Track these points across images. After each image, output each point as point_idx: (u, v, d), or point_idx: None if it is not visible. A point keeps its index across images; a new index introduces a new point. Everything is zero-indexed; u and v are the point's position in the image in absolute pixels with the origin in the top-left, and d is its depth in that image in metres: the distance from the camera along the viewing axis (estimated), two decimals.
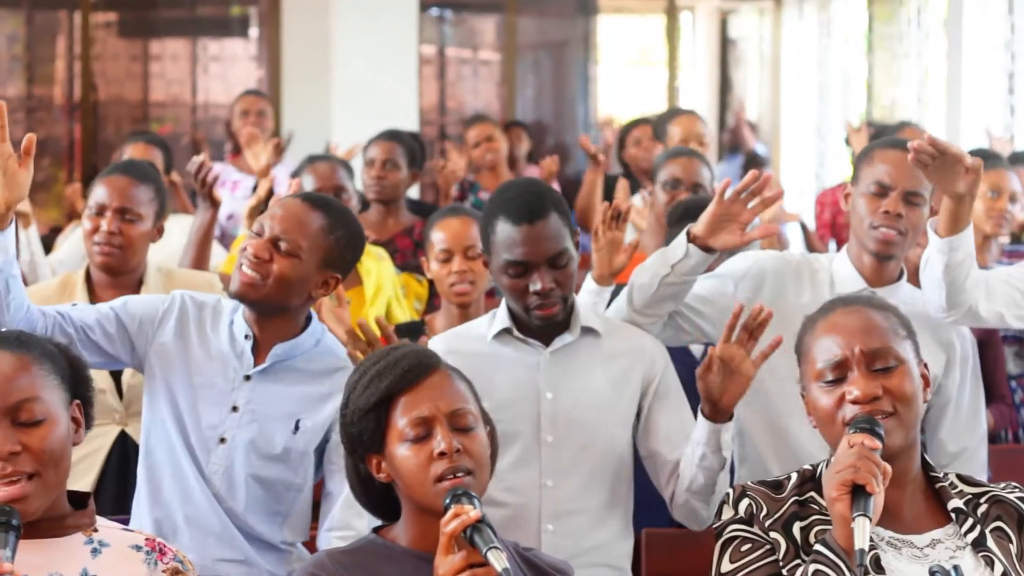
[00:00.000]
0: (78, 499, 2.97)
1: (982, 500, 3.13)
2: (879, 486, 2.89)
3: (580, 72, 14.03)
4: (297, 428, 3.87)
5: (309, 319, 3.94)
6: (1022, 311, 4.14)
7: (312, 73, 11.16)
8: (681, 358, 4.68)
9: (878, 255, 4.16)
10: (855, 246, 4.21)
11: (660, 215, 5.69)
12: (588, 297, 4.51)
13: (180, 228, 5.87)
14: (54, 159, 12.05)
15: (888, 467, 2.93)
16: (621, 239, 4.51)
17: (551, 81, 14.12)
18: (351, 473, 3.12)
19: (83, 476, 4.55)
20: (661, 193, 5.76)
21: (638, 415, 4.00)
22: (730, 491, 3.12)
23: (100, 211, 4.71)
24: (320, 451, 3.92)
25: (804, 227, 8.29)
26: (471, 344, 3.95)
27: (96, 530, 2.94)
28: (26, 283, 5.84)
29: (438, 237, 4.92)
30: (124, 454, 4.57)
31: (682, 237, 4.04)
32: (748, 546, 3.06)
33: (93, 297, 4.65)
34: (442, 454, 2.94)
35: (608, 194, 7.69)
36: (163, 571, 2.91)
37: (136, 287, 4.69)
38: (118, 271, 4.72)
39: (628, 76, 14.25)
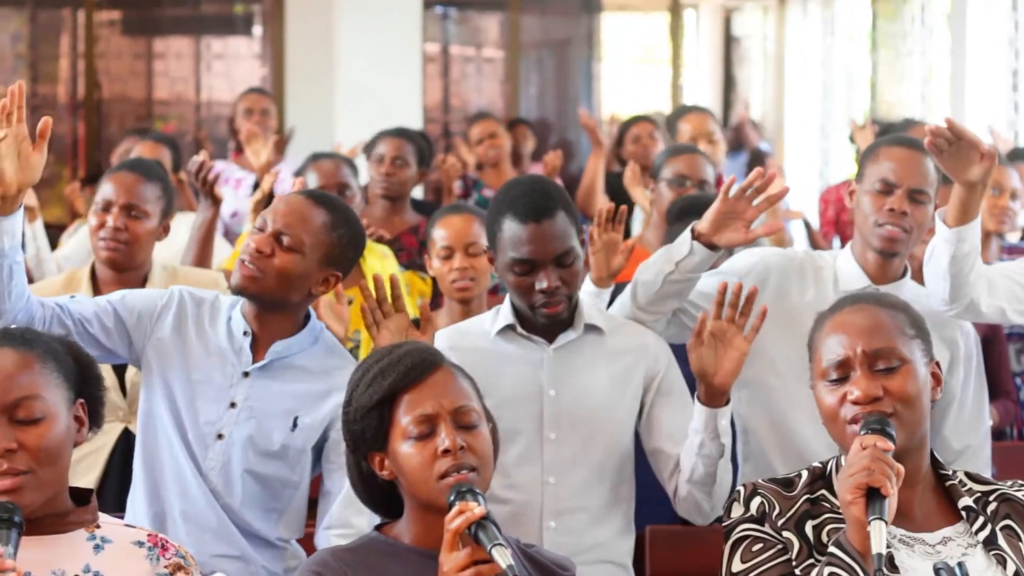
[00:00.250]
0: (81, 496, 2.97)
1: (991, 498, 3.11)
2: (893, 488, 2.87)
3: (584, 70, 14.03)
4: (295, 425, 3.87)
5: (308, 317, 3.94)
6: (1023, 306, 4.14)
7: (316, 71, 11.17)
8: (684, 355, 4.67)
9: (883, 252, 4.15)
10: (859, 243, 4.21)
11: (664, 212, 5.69)
12: (587, 299, 4.50)
13: (187, 226, 5.88)
14: (58, 157, 12.05)
15: (901, 468, 2.92)
16: (618, 240, 4.50)
17: (555, 79, 14.12)
18: (353, 471, 3.12)
19: (87, 473, 4.56)
20: (666, 190, 5.76)
21: (640, 412, 4.00)
22: (740, 489, 3.10)
23: (106, 207, 4.73)
24: (318, 449, 3.92)
25: (808, 225, 8.29)
26: (474, 340, 3.95)
27: (99, 526, 2.93)
28: (32, 278, 5.88)
29: (440, 234, 4.92)
30: (127, 451, 4.56)
31: (686, 234, 4.04)
32: (760, 546, 3.04)
33: (97, 293, 4.65)
34: (446, 451, 2.94)
35: (610, 190, 7.71)
36: (165, 567, 2.91)
37: (141, 284, 4.69)
38: (123, 268, 4.73)
39: (632, 74, 14.25)
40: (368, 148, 7.57)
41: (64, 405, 2.91)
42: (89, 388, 2.99)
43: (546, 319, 3.90)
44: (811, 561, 2.99)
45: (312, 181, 5.64)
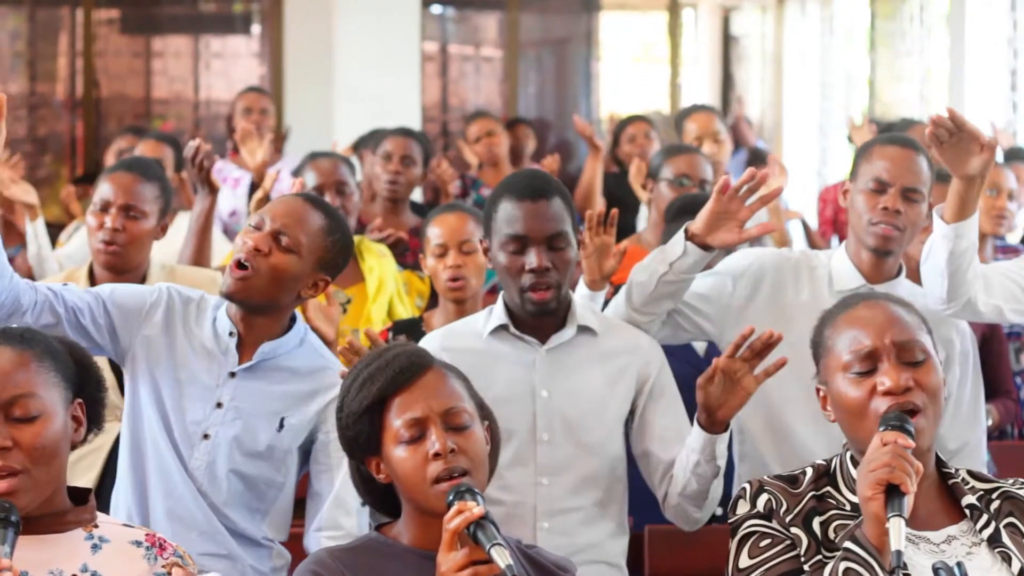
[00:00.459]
0: (79, 495, 2.97)
1: (994, 496, 3.11)
2: (913, 486, 2.87)
3: (582, 69, 14.03)
4: (282, 426, 3.86)
5: (293, 319, 3.94)
6: (1021, 305, 4.14)
7: (314, 70, 11.17)
8: (685, 356, 4.68)
9: (877, 251, 4.15)
10: (854, 243, 4.21)
11: (663, 211, 5.69)
12: (581, 302, 4.50)
13: (188, 226, 5.87)
14: (56, 156, 12.06)
15: (920, 466, 2.92)
16: (610, 243, 4.50)
17: (553, 78, 14.12)
18: (354, 474, 3.13)
19: (85, 473, 4.55)
20: (666, 190, 5.76)
21: (632, 414, 3.99)
22: (746, 486, 3.09)
23: (104, 207, 4.72)
24: (303, 450, 3.92)
25: (805, 225, 8.29)
26: (466, 341, 3.95)
27: (96, 526, 2.93)
28: (33, 276, 5.88)
29: (434, 232, 4.95)
30: None
31: (680, 235, 4.04)
32: (767, 541, 3.03)
33: None
34: (437, 455, 2.94)
35: (606, 192, 7.70)
36: (163, 567, 2.91)
37: (140, 284, 4.68)
38: (121, 269, 4.72)
39: (630, 73, 14.24)
40: (358, 146, 7.56)
41: (61, 404, 2.91)
42: (89, 389, 2.99)
43: (534, 307, 3.89)
44: (819, 557, 2.99)
45: (310, 180, 5.63)
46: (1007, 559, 3.02)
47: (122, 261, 4.71)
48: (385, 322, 5.35)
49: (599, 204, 7.72)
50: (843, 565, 2.89)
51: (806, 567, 2.99)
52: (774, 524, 3.04)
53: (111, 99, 12.22)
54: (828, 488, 3.09)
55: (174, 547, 2.95)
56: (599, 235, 4.49)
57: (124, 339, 3.88)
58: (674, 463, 3.91)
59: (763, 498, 3.07)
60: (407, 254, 6.20)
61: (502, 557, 2.76)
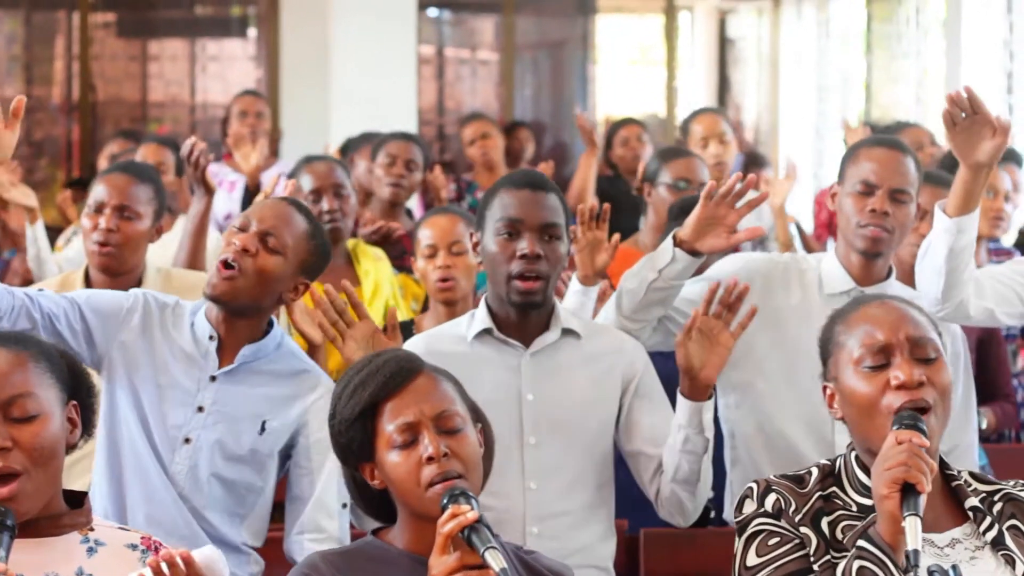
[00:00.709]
0: (75, 498, 2.97)
1: (996, 498, 3.11)
2: (928, 485, 2.87)
3: (578, 72, 14.03)
4: (263, 429, 3.86)
5: (271, 324, 3.95)
6: (1012, 308, 4.14)
7: (310, 73, 11.17)
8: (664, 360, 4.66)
9: (866, 254, 4.16)
10: (843, 245, 4.21)
11: (662, 215, 5.69)
12: (575, 298, 4.50)
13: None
14: (52, 159, 12.06)
15: (935, 465, 2.92)
16: (603, 238, 4.51)
17: (549, 81, 14.12)
18: (348, 481, 3.13)
19: (81, 476, 4.54)
20: (666, 194, 5.75)
21: (619, 415, 3.99)
22: (753, 485, 3.09)
23: (99, 209, 4.72)
24: (283, 454, 3.92)
25: (800, 228, 8.29)
26: (450, 345, 3.94)
27: (92, 529, 2.93)
28: (33, 279, 5.87)
29: (424, 234, 4.98)
30: None
31: (669, 241, 4.04)
32: (776, 540, 3.03)
33: None
34: (430, 459, 2.94)
35: (599, 194, 7.70)
36: (155, 551, 2.90)
37: (134, 287, 4.67)
38: (116, 271, 4.72)
39: (627, 76, 14.25)
40: (346, 149, 7.54)
41: (58, 405, 2.91)
42: (81, 394, 2.99)
43: (519, 297, 3.88)
44: (828, 557, 2.99)
45: (306, 183, 5.63)
46: (1011, 562, 3.01)
47: (117, 263, 4.70)
48: (381, 325, 5.34)
49: (592, 200, 7.74)
50: (857, 563, 2.88)
51: (815, 567, 2.99)
52: (783, 523, 3.04)
53: (107, 102, 12.22)
54: (834, 489, 3.08)
55: (169, 550, 2.95)
56: (591, 230, 4.50)
57: (101, 344, 3.87)
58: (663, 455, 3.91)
59: (771, 497, 3.06)
60: (406, 256, 6.19)
61: (496, 561, 2.76)
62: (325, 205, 5.56)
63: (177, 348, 3.88)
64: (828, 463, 3.13)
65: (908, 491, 2.86)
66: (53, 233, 7.52)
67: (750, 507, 3.08)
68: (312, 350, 4.53)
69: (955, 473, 3.13)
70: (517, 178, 3.98)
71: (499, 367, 3.92)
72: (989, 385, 5.45)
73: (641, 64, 14.35)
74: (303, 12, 11.38)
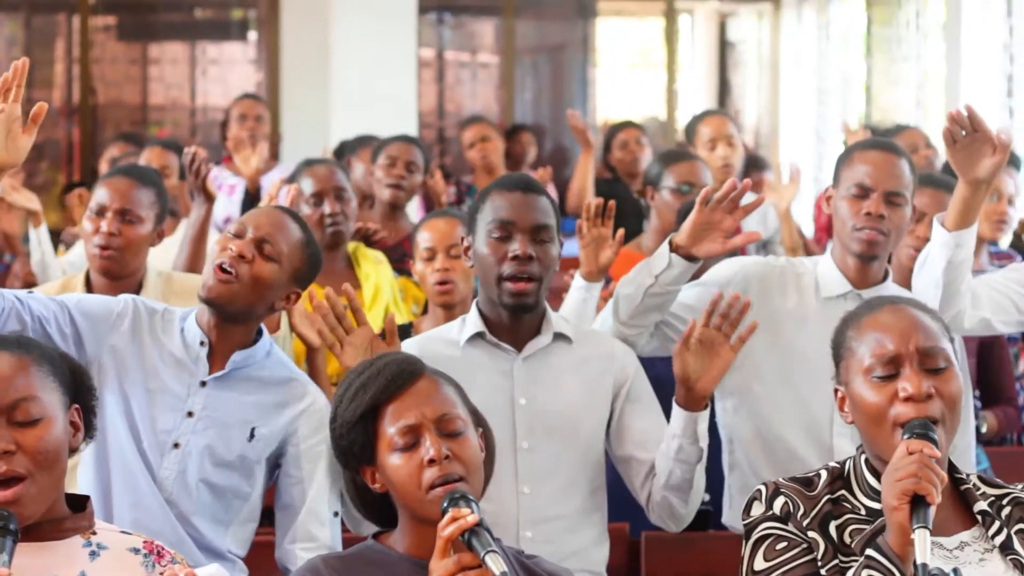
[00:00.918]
0: (77, 502, 2.97)
1: (1004, 502, 3.10)
2: (938, 496, 2.86)
3: (579, 75, 14.04)
4: (253, 436, 3.85)
5: (260, 332, 3.94)
6: (1009, 316, 4.14)
7: (311, 76, 11.17)
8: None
9: (861, 257, 4.15)
10: (839, 249, 4.21)
11: (665, 219, 5.69)
12: (578, 293, 4.51)
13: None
14: (52, 162, 12.07)
15: (945, 476, 2.91)
16: (607, 235, 4.52)
17: (550, 84, 14.13)
18: (348, 484, 3.13)
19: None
20: (669, 197, 5.75)
21: (610, 420, 3.99)
22: (762, 487, 3.08)
23: (100, 212, 4.72)
24: (271, 463, 3.91)
25: (800, 233, 8.28)
26: (443, 349, 3.93)
27: (95, 533, 2.93)
28: (37, 283, 5.87)
29: (423, 237, 4.98)
30: None
31: (665, 247, 4.04)
32: (783, 544, 3.02)
33: None
34: (431, 461, 2.94)
35: (599, 197, 7.71)
36: (161, 573, 2.91)
37: (135, 291, 4.67)
38: (117, 275, 4.71)
39: (627, 79, 14.25)
40: (341, 152, 7.53)
41: (61, 409, 2.91)
42: (83, 397, 2.99)
43: (511, 298, 3.88)
44: (836, 561, 2.99)
45: (307, 187, 5.62)
46: (1019, 566, 3.01)
47: (118, 266, 4.70)
48: (380, 329, 5.34)
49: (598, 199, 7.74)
50: (865, 572, 2.88)
51: (823, 571, 2.99)
52: (791, 527, 3.03)
53: (108, 106, 12.23)
54: (843, 491, 3.08)
55: (172, 554, 2.95)
56: (596, 226, 4.50)
57: (90, 349, 3.85)
58: (656, 460, 3.91)
59: (779, 501, 3.05)
60: (405, 259, 6.19)
61: (497, 564, 2.76)
62: (327, 208, 5.55)
63: (167, 353, 3.87)
64: (837, 465, 3.13)
65: (918, 502, 2.85)
66: (52, 235, 7.52)
67: (758, 510, 3.07)
68: (311, 353, 4.53)
69: (964, 476, 3.13)
70: (508, 181, 3.98)
71: (491, 371, 3.92)
72: (992, 388, 5.45)
73: (641, 67, 14.36)
74: (303, 15, 11.38)
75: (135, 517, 3.80)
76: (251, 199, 7.03)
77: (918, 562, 2.79)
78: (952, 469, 3.12)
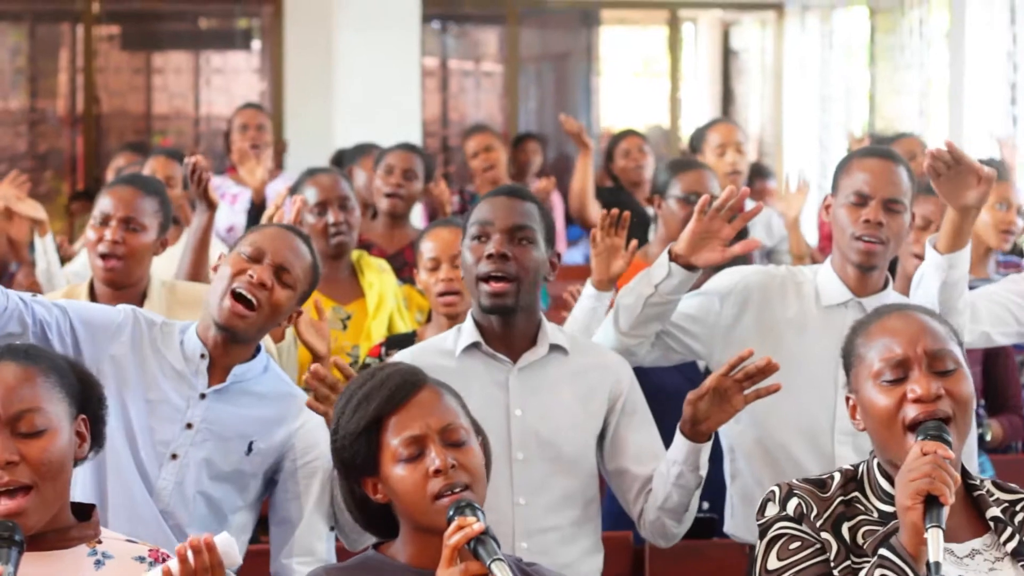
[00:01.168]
0: (82, 511, 2.97)
1: (1018, 508, 3.10)
2: (951, 497, 2.88)
3: (582, 83, 14.04)
4: (250, 450, 3.85)
5: (258, 347, 3.94)
6: (1008, 327, 4.15)
7: (315, 85, 11.18)
8: (685, 371, 4.66)
9: (861, 266, 4.15)
10: (838, 257, 4.21)
11: (672, 227, 5.68)
12: (588, 302, 4.50)
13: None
14: (56, 172, 12.08)
15: (959, 477, 2.93)
16: (620, 245, 4.51)
17: (553, 92, 14.13)
18: (347, 496, 3.12)
19: None
20: (676, 206, 5.74)
21: (603, 432, 3.97)
22: (775, 489, 3.09)
23: (104, 221, 4.72)
24: (267, 477, 3.90)
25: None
26: (438, 359, 3.90)
27: (100, 542, 2.94)
28: (42, 292, 5.86)
29: (427, 246, 4.95)
30: None
31: (664, 256, 4.04)
32: (797, 544, 3.03)
33: None
34: (438, 471, 2.94)
35: (602, 205, 7.71)
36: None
37: (139, 300, 4.68)
38: (121, 284, 4.71)
39: (630, 87, 14.26)
40: (341, 161, 7.53)
41: (66, 420, 2.92)
42: (91, 407, 2.99)
43: (488, 299, 3.85)
44: (848, 562, 2.99)
45: (312, 196, 5.62)
46: None
47: (122, 275, 4.70)
48: (383, 338, 5.34)
49: (594, 203, 7.75)
50: (879, 572, 2.89)
51: (835, 572, 2.99)
52: (804, 528, 3.04)
53: (111, 115, 12.24)
54: (856, 494, 3.09)
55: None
56: (610, 235, 4.50)
57: (89, 357, 3.82)
58: (650, 479, 3.89)
59: (793, 502, 3.06)
60: (405, 268, 6.19)
61: (503, 572, 2.76)
62: (331, 218, 5.55)
63: (167, 365, 3.87)
64: (851, 468, 3.14)
65: (931, 502, 2.87)
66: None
67: (772, 510, 3.08)
68: (317, 362, 4.52)
69: (977, 483, 3.13)
70: (496, 189, 4.01)
71: (487, 382, 3.90)
72: (997, 397, 5.46)
73: (645, 76, 14.36)
74: (307, 25, 11.39)
75: (130, 528, 3.78)
76: (257, 210, 7.03)
77: (931, 561, 2.81)
78: (965, 475, 3.13)
